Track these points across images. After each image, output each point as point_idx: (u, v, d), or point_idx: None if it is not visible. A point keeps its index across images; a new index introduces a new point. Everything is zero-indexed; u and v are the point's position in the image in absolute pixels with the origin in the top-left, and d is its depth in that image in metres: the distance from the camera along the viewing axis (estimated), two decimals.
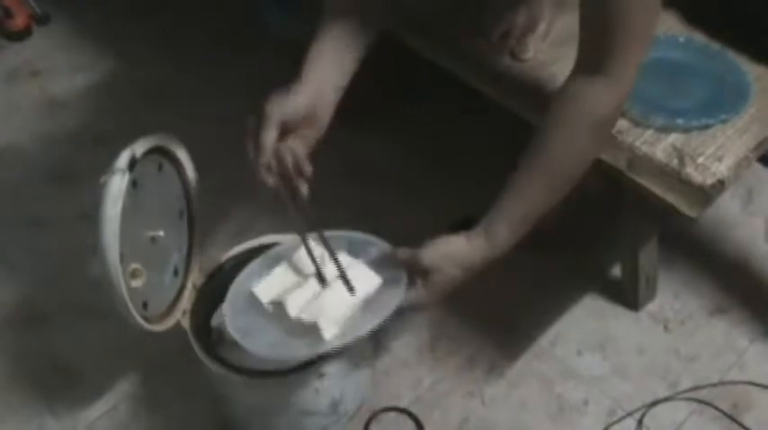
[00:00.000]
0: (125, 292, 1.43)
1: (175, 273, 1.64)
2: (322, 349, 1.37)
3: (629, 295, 1.88)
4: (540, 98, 1.59)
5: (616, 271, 1.91)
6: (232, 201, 2.11)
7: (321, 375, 1.54)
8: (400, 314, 1.37)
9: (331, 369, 1.55)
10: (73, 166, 2.26)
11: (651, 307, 1.89)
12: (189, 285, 1.65)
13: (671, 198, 1.48)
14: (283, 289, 1.44)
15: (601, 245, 1.96)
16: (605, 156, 1.50)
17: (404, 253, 1.40)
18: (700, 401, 1.74)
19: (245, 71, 2.45)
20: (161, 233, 1.59)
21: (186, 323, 1.60)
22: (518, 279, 1.92)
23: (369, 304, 1.40)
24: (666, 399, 1.75)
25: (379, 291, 1.41)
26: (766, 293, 1.90)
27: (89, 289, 1.93)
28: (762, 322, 1.85)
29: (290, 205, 1.39)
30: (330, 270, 1.44)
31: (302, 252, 1.47)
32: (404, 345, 1.85)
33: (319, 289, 1.43)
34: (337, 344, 1.36)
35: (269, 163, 1.36)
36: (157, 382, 1.83)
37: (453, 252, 1.37)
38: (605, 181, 1.59)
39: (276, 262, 1.51)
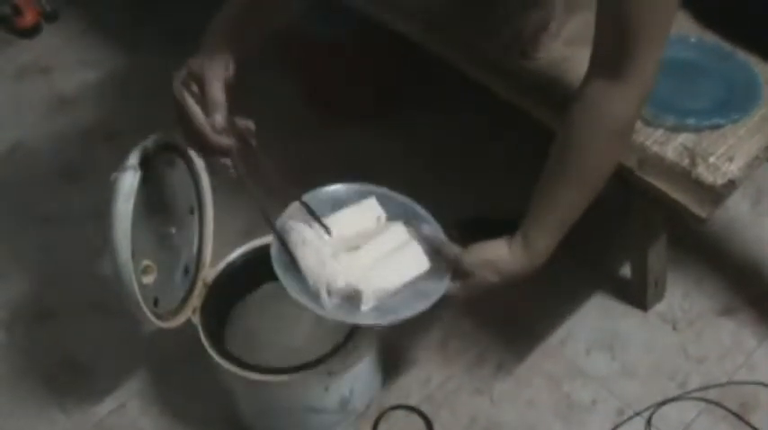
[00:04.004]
0: (136, 289, 1.43)
1: (186, 270, 1.64)
2: (355, 318, 1.36)
3: (638, 295, 1.88)
4: (550, 97, 1.59)
5: (625, 271, 1.91)
6: (242, 199, 2.10)
7: (330, 372, 1.54)
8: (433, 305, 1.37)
9: (340, 366, 1.55)
10: (83, 164, 2.27)
11: (660, 307, 1.89)
12: (199, 282, 1.65)
13: (681, 198, 1.48)
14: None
15: (610, 244, 1.96)
16: None
17: (449, 250, 1.40)
18: (708, 401, 1.74)
19: (252, 68, 2.44)
20: (172, 230, 1.60)
21: (197, 320, 1.60)
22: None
23: (408, 287, 1.40)
24: (675, 399, 1.75)
25: (422, 277, 1.41)
26: None
27: (100, 286, 1.94)
28: None
29: (243, 167, 1.42)
30: (387, 237, 1.44)
31: (365, 208, 1.49)
32: (413, 344, 1.85)
33: (373, 256, 1.41)
34: (371, 319, 1.36)
35: (222, 123, 1.38)
36: (167, 379, 1.83)
37: (494, 260, 1.38)
38: (616, 180, 1.59)
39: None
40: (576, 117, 1.35)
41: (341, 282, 1.35)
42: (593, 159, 1.36)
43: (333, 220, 1.44)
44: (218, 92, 1.39)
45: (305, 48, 2.23)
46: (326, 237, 1.41)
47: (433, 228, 1.47)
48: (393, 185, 2.14)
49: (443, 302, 1.38)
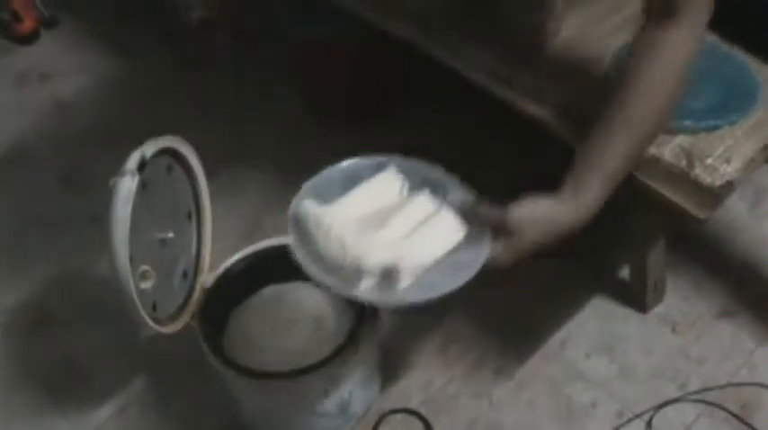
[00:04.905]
0: (135, 294, 1.43)
1: (185, 274, 1.64)
2: (393, 299, 1.26)
3: (637, 297, 1.88)
4: (550, 97, 1.59)
5: (624, 273, 1.91)
6: (241, 203, 2.11)
7: (330, 376, 1.54)
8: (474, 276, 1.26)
9: (340, 370, 1.55)
10: (82, 168, 2.27)
11: (659, 309, 1.89)
12: (198, 287, 1.65)
13: (679, 199, 1.48)
14: (361, 218, 1.31)
15: (609, 247, 1.96)
16: None
17: (489, 209, 1.32)
18: (708, 403, 1.74)
19: (252, 72, 2.45)
20: (170, 235, 1.59)
21: (195, 325, 1.60)
22: (527, 282, 1.92)
23: (446, 259, 1.29)
24: (675, 401, 1.75)
25: (459, 247, 1.30)
26: None
27: (99, 290, 1.94)
28: None
29: None
30: (414, 209, 1.33)
31: (385, 181, 1.37)
32: (413, 347, 1.85)
33: (403, 230, 1.30)
34: (410, 298, 1.25)
35: None
36: (167, 384, 1.83)
37: (541, 216, 1.30)
38: None
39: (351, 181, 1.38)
40: (632, 63, 1.35)
41: (373, 261, 1.24)
42: (648, 103, 1.34)
43: (351, 199, 1.34)
44: None
45: (304, 49, 2.23)
46: (349, 215, 1.31)
47: (462, 193, 1.37)
48: None
49: (488, 268, 1.28)
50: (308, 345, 1.65)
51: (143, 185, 1.46)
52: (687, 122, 1.51)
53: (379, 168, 1.40)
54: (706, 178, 1.47)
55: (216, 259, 1.70)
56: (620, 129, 1.34)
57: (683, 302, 1.90)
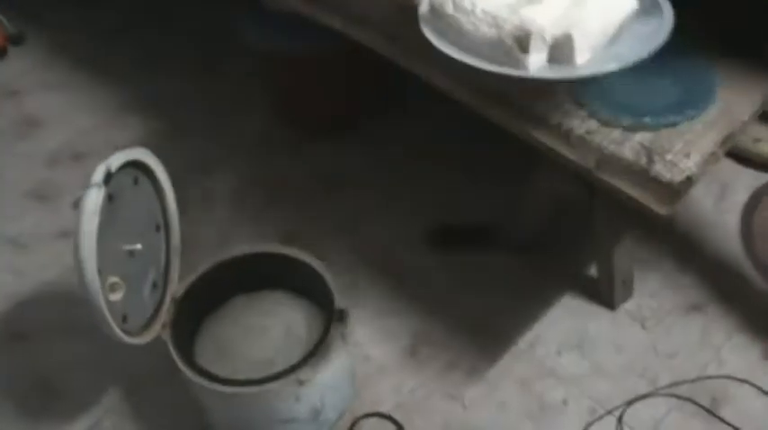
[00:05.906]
0: (104, 306, 1.44)
1: (154, 285, 1.64)
2: (572, 72, 1.12)
3: (605, 294, 1.89)
4: (507, 97, 1.60)
5: (593, 271, 1.93)
6: (210, 214, 2.12)
7: (301, 382, 1.55)
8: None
9: (311, 375, 1.56)
10: (51, 185, 2.27)
11: (628, 305, 1.91)
12: (168, 298, 1.66)
13: (641, 196, 1.49)
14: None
15: (577, 246, 1.97)
16: (574, 157, 1.51)
17: None
18: (679, 397, 1.76)
19: (222, 86, 2.46)
20: (138, 246, 1.60)
21: (166, 335, 1.61)
22: (496, 281, 1.93)
23: (624, 31, 1.16)
24: (646, 396, 1.76)
25: (634, 19, 1.18)
26: (741, 289, 1.92)
27: (70, 305, 1.94)
28: (737, 317, 1.87)
29: None
30: None
31: None
32: (384, 351, 1.86)
33: (563, 4, 1.14)
34: (593, 69, 1.11)
35: None
36: (140, 396, 1.83)
37: None
38: (576, 182, 1.61)
39: None
40: None
41: (540, 32, 1.09)
42: None
43: None
44: None
45: (275, 63, 2.24)
46: None
47: None
48: (364, 196, 2.16)
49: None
50: (279, 352, 1.66)
51: (110, 198, 1.46)
52: (646, 119, 1.53)
53: None
54: (666, 174, 1.48)
55: (185, 270, 1.71)
56: None
57: (652, 298, 1.92)
